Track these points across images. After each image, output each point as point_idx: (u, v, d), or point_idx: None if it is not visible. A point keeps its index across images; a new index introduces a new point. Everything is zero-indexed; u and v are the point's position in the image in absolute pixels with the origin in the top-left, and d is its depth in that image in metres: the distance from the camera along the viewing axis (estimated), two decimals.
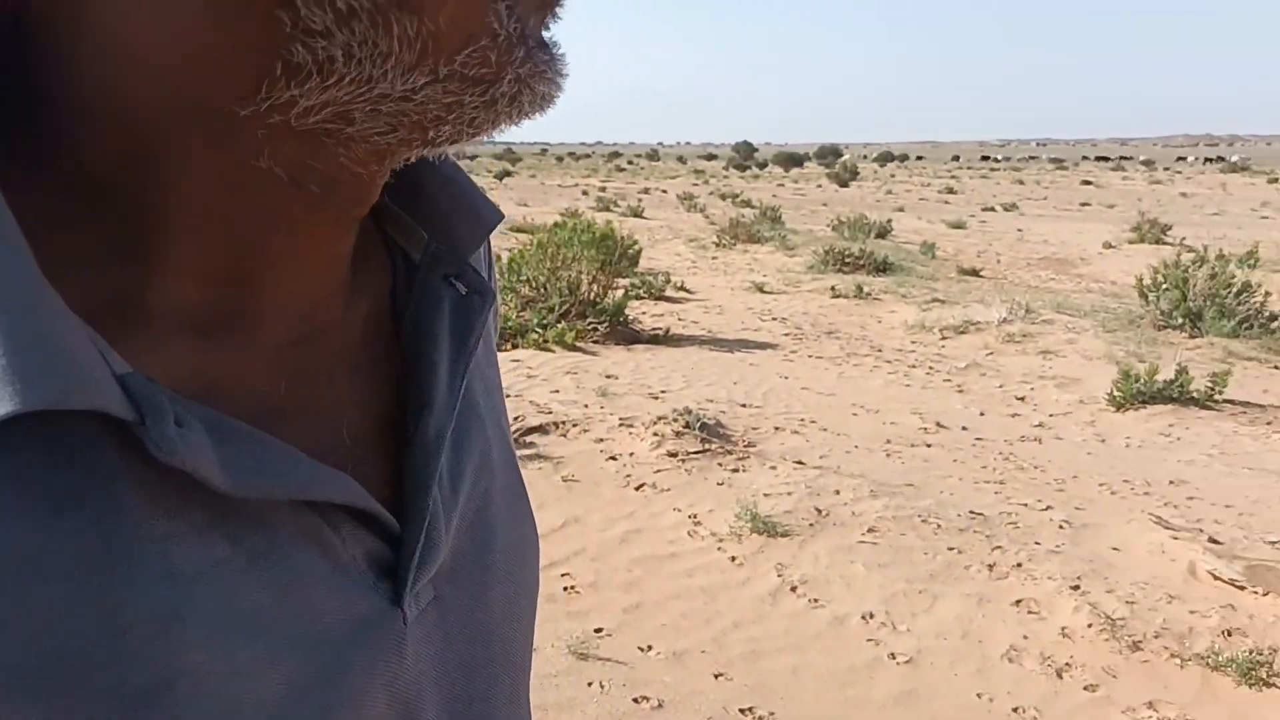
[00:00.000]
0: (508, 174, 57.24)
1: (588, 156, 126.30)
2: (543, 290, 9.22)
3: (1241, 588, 4.26)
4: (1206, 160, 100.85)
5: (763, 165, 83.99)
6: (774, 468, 5.82)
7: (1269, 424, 6.93)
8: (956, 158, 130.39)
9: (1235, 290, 9.63)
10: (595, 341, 8.92)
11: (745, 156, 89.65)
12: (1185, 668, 3.72)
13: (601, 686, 3.58)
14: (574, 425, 6.37)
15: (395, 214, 0.53)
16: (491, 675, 0.53)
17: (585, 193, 38.75)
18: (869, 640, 3.98)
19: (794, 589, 4.40)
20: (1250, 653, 3.72)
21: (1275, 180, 54.75)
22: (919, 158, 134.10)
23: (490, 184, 45.19)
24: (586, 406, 6.89)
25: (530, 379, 7.67)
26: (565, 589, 4.37)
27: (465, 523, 0.52)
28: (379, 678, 0.45)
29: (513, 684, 0.55)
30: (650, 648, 3.88)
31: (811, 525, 5.03)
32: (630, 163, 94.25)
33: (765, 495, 5.35)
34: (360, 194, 0.46)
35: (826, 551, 4.75)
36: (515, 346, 8.58)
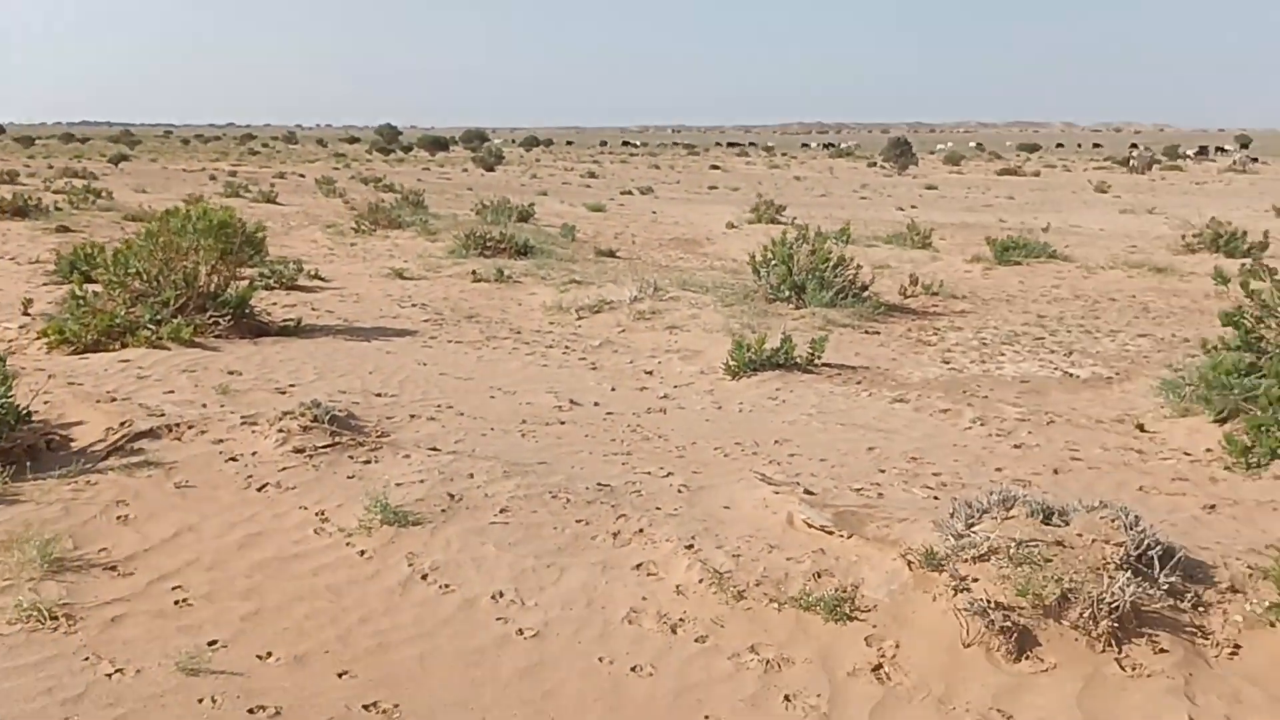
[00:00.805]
0: (124, 158, 52.41)
1: (218, 139, 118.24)
2: (155, 283, 8.54)
3: (831, 533, 4.72)
4: (825, 145, 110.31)
5: (408, 149, 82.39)
6: (408, 456, 5.75)
7: (859, 383, 7.74)
8: (604, 143, 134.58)
9: (832, 265, 10.65)
10: (217, 336, 8.39)
11: (389, 140, 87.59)
12: (782, 610, 4.07)
13: (213, 701, 3.38)
14: (190, 427, 5.96)
15: None
16: None
17: (213, 178, 36.32)
18: (498, 619, 4.04)
19: (425, 577, 4.37)
20: (836, 591, 4.13)
21: (873, 164, 61.07)
22: (568, 143, 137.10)
23: (104, 169, 41.22)
24: (205, 406, 6.47)
25: (141, 380, 7.09)
26: (176, 603, 4.09)
27: None
28: None
29: None
30: (270, 655, 3.72)
31: (444, 511, 5.02)
32: (265, 145, 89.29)
33: (398, 485, 5.26)
34: None
35: (458, 536, 4.75)
36: (124, 345, 7.90)
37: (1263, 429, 6.04)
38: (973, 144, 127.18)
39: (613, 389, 7.72)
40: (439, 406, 6.99)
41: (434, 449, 5.97)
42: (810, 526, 4.81)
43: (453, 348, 9.00)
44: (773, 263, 10.79)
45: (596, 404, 7.26)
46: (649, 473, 5.75)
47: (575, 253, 15.61)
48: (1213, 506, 5.27)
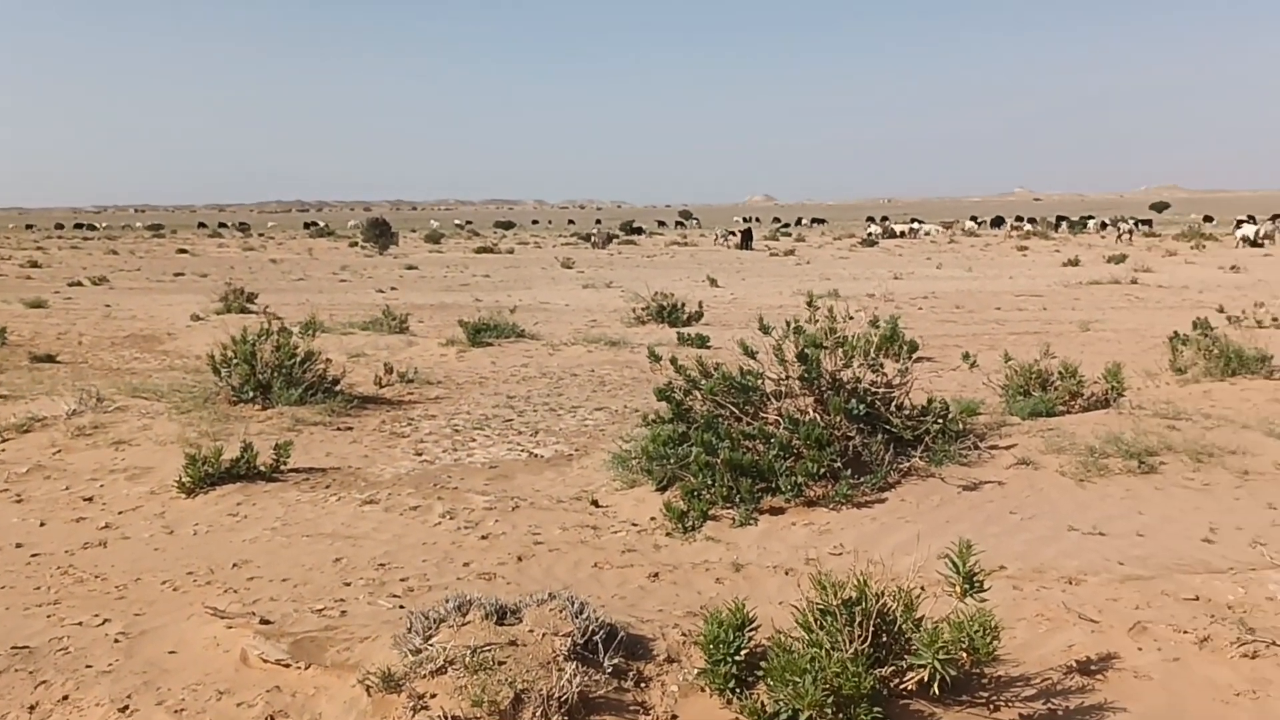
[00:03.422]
0: None
1: None
2: None
3: (287, 665, 4.42)
4: (307, 225, 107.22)
5: None
6: None
7: (328, 487, 7.45)
8: (60, 225, 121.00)
9: (300, 360, 10.27)
10: None
11: None
12: None
13: None
14: None
15: None
16: None
17: None
18: None
19: None
20: None
21: (355, 244, 60.83)
22: (28, 227, 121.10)
23: None
24: None
25: None
26: None
27: None
28: None
29: None
30: None
31: None
32: None
33: None
34: None
35: None
36: None
37: (694, 494, 6.71)
38: (457, 221, 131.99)
39: (42, 524, 6.74)
40: None
41: None
42: (265, 662, 4.48)
43: None
44: (235, 361, 10.17)
45: (19, 545, 6.29)
46: (80, 623, 5.05)
47: (4, 360, 13.63)
48: (656, 574, 5.70)
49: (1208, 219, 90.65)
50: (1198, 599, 5.10)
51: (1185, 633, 4.64)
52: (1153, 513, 6.43)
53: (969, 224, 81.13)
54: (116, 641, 4.81)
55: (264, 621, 4.90)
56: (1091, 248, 49.23)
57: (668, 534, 6.41)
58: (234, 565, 5.90)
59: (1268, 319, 16.79)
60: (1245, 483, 7.01)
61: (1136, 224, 67.33)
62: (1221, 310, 17.75)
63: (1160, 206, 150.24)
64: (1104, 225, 75.97)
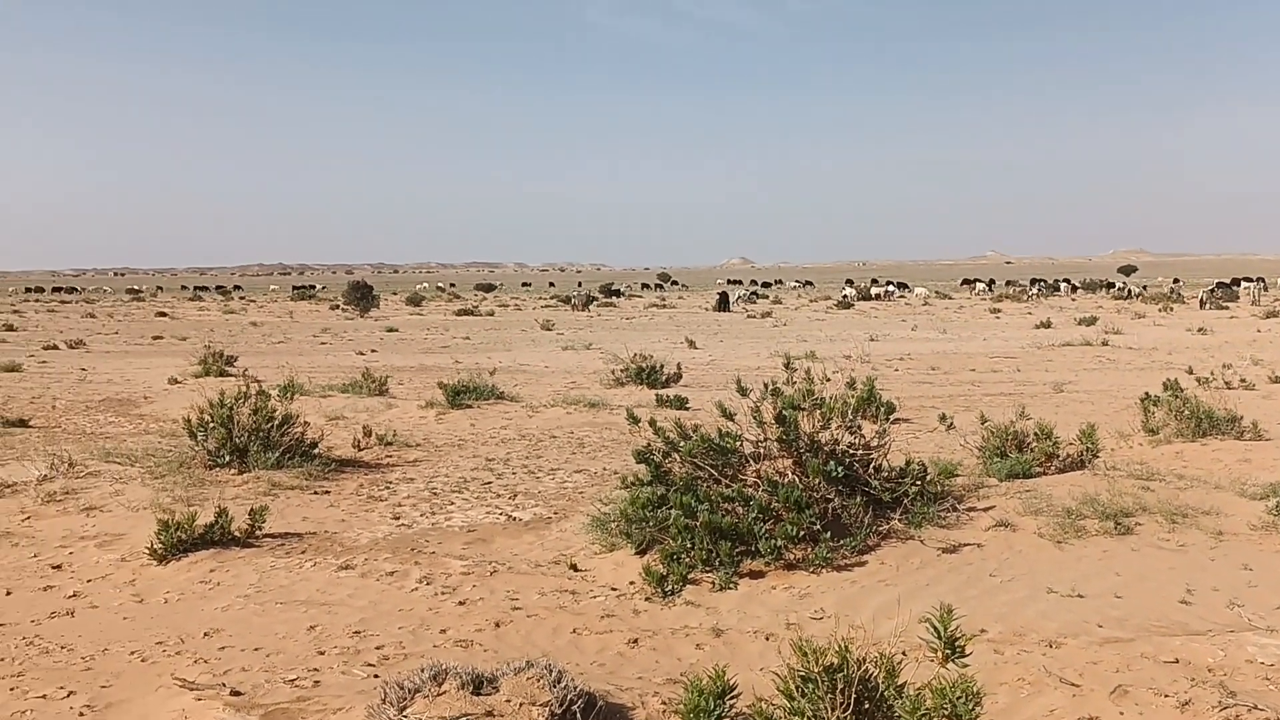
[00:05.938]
0: None
1: None
2: None
3: None
4: (296, 289, 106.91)
5: None
6: None
7: (303, 553, 7.36)
8: (40, 289, 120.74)
9: (278, 423, 10.20)
10: None
11: None
12: None
13: None
14: None
15: None
16: None
17: None
18: None
19: None
20: None
21: (336, 307, 60.64)
22: (28, 290, 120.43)
23: None
24: None
25: None
26: None
27: None
28: None
29: None
30: None
31: None
32: None
33: None
34: None
35: None
36: None
37: (674, 557, 6.66)
38: (439, 284, 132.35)
39: (8, 593, 6.62)
40: None
41: None
42: None
43: None
44: (211, 425, 10.09)
45: None
46: (45, 695, 4.93)
47: None
48: (636, 640, 5.64)
49: (1176, 281, 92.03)
50: (1177, 661, 5.08)
51: (1166, 696, 4.62)
52: (1129, 574, 6.42)
53: (980, 287, 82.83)
54: (81, 715, 4.71)
55: (234, 693, 4.81)
56: (1062, 310, 49.76)
57: (647, 598, 6.35)
58: (205, 634, 5.80)
59: (1235, 380, 16.99)
60: (1220, 543, 7.03)
61: (1180, 287, 68.04)
62: (1190, 371, 17.94)
63: (1128, 270, 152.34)
64: (1075, 288, 77.04)
